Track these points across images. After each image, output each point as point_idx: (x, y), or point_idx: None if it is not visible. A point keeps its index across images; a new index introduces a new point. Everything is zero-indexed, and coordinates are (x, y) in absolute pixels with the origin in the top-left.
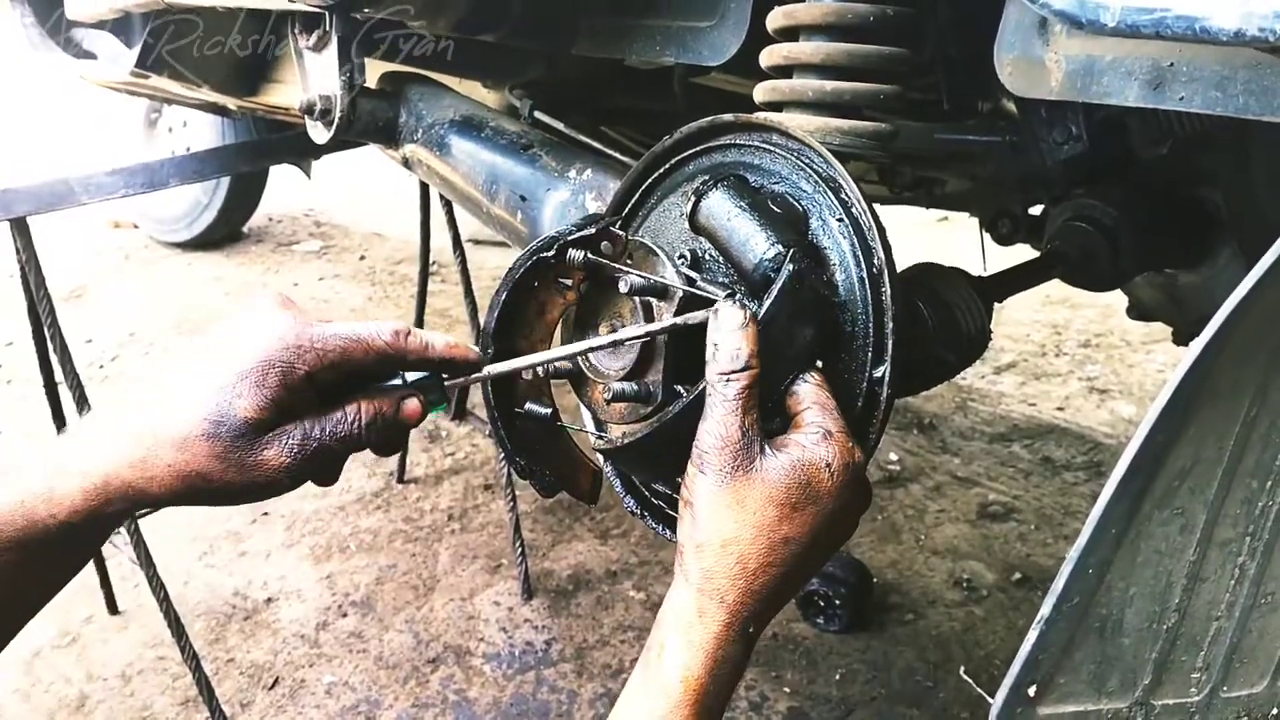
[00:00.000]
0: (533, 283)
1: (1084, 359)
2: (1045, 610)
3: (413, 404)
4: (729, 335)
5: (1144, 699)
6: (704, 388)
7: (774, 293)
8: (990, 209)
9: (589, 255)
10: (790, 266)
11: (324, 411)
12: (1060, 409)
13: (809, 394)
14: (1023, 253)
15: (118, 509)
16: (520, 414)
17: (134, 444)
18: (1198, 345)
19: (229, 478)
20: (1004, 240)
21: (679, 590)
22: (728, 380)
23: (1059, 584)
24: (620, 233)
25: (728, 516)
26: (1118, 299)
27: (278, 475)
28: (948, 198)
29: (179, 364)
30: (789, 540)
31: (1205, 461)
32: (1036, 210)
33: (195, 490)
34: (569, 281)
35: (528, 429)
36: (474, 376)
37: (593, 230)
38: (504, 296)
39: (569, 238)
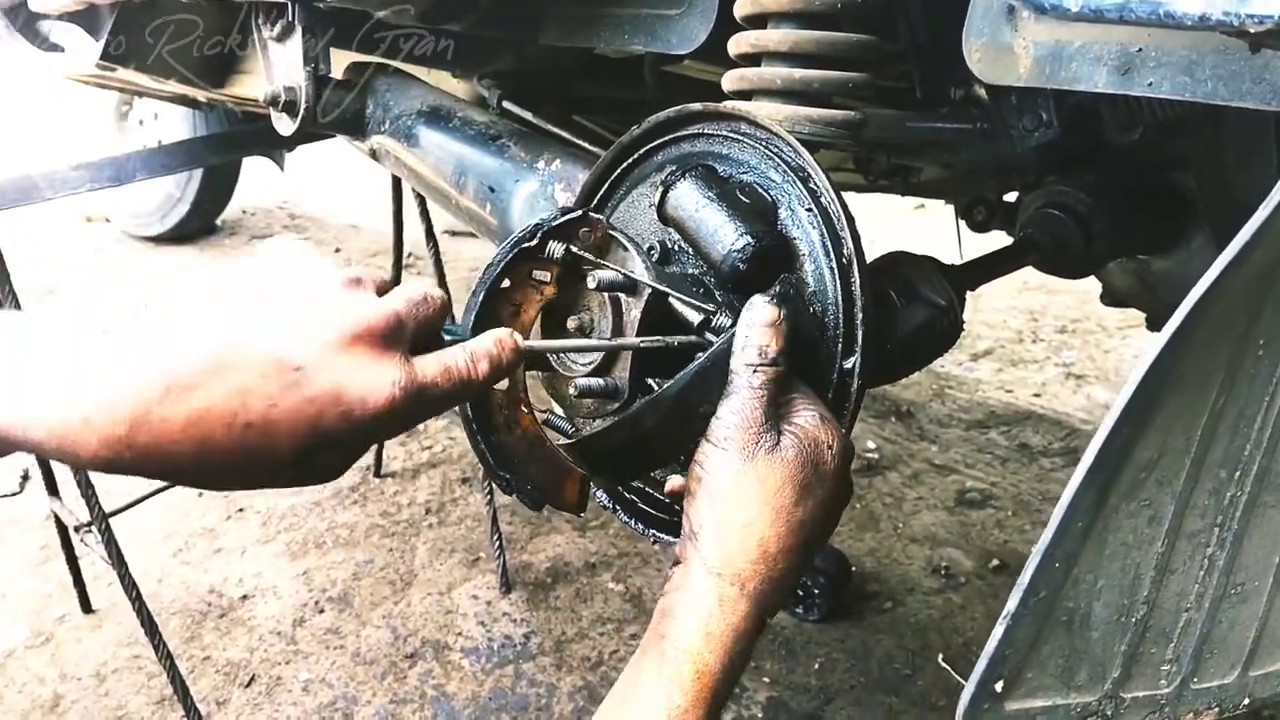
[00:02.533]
0: (503, 283)
1: (1060, 345)
2: (1011, 605)
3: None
4: (760, 330)
5: (1113, 692)
6: (676, 384)
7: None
8: (965, 196)
9: (570, 249)
10: (775, 290)
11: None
12: (1037, 395)
13: (792, 383)
14: (999, 240)
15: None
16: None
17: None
18: (1165, 334)
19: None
20: (979, 227)
21: (696, 576)
22: (755, 370)
23: (1025, 578)
24: (599, 217)
25: (750, 496)
26: (1095, 285)
27: (367, 420)
28: (923, 185)
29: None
30: (804, 524)
31: (1172, 452)
32: (1012, 197)
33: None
34: (545, 277)
35: (506, 444)
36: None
37: (576, 214)
38: (480, 298)
39: (552, 224)
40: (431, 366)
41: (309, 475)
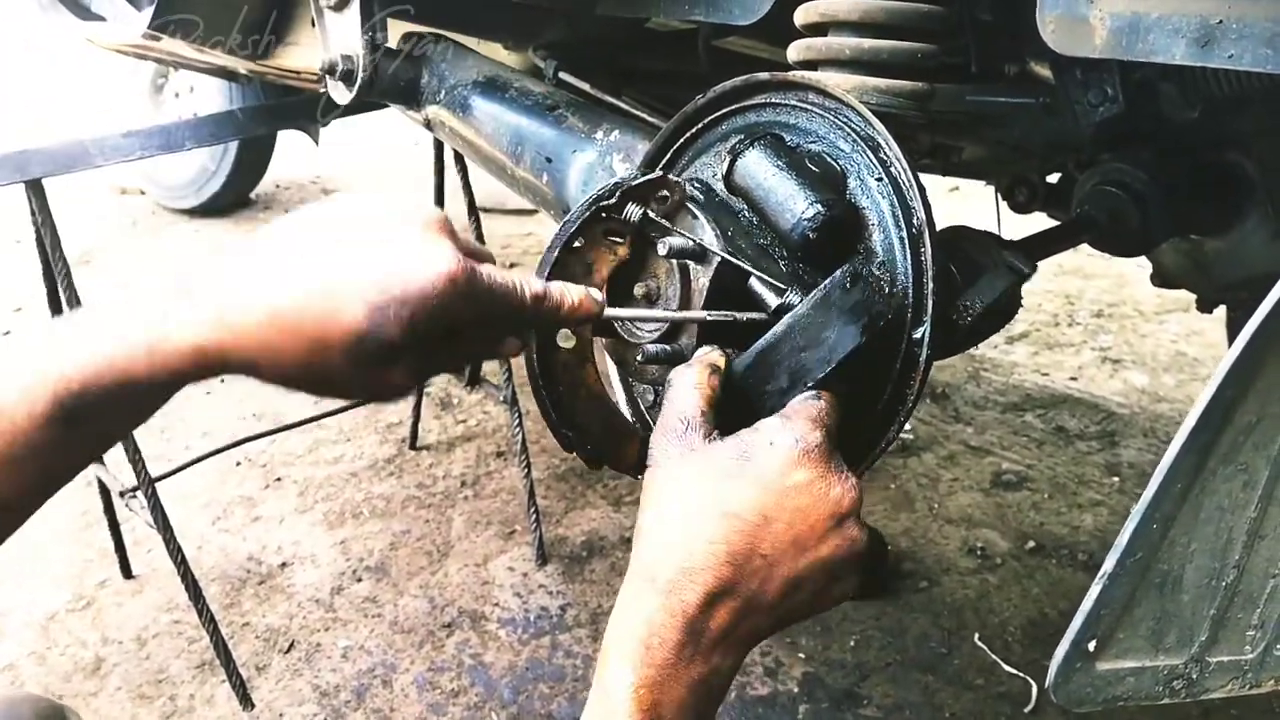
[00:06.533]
0: (577, 242)
1: (1097, 329)
2: (1109, 565)
3: (514, 344)
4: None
5: (1199, 655)
6: (742, 360)
7: (812, 300)
8: (1007, 177)
9: (647, 213)
10: (847, 268)
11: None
12: (1073, 379)
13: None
14: (1038, 222)
15: (214, 374)
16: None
17: (269, 316)
18: (1270, 300)
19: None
20: (1021, 208)
21: (621, 593)
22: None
23: (1123, 539)
24: (679, 180)
25: (661, 496)
26: (1130, 269)
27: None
28: (963, 166)
29: (310, 242)
30: (728, 515)
31: (1270, 417)
32: (1054, 178)
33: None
34: (619, 239)
35: (570, 402)
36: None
37: (655, 176)
38: (555, 254)
39: (632, 184)
40: (485, 265)
41: (372, 376)
